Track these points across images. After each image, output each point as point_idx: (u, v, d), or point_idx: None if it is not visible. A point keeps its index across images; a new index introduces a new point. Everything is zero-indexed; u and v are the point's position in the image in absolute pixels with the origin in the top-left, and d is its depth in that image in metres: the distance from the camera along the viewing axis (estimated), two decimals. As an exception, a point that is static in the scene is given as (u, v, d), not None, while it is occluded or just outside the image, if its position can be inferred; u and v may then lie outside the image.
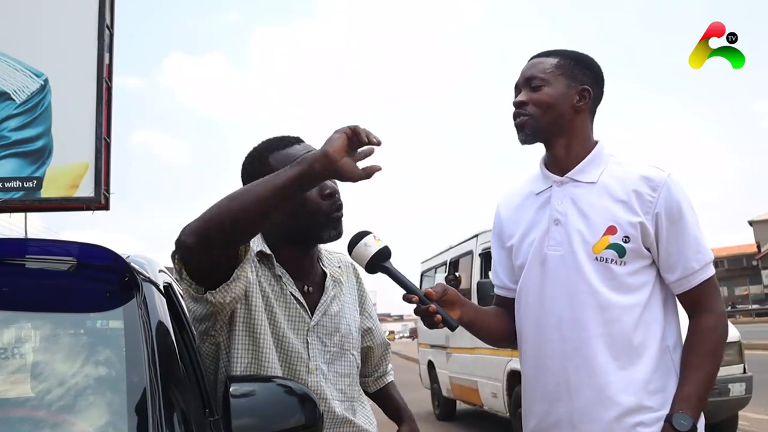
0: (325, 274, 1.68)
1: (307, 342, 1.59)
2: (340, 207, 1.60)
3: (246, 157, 1.68)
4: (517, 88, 1.66)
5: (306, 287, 1.63)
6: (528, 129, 1.62)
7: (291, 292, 1.59)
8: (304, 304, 1.60)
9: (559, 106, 1.60)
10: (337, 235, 1.61)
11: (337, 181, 1.59)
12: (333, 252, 1.77)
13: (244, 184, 1.65)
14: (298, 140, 1.65)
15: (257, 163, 1.62)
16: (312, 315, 1.61)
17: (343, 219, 1.62)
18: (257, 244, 1.61)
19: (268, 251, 1.60)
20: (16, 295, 1.51)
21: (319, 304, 1.63)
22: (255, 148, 1.67)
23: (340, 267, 1.74)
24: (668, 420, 1.47)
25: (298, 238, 1.61)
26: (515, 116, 1.63)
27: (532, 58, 1.68)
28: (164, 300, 1.62)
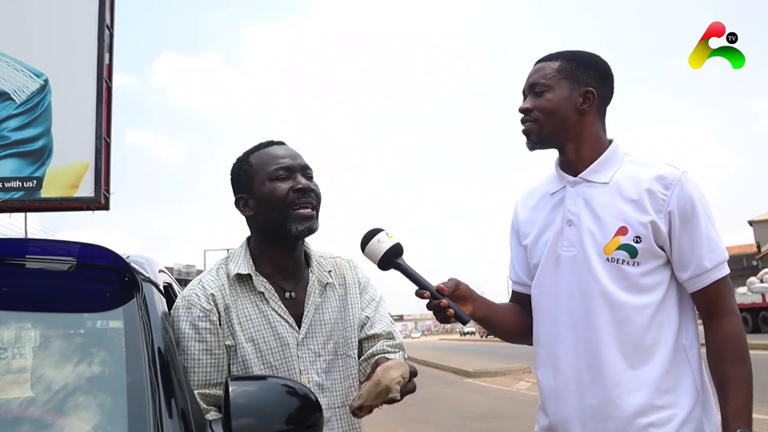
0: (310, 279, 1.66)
1: (297, 356, 1.58)
2: (307, 203, 1.59)
3: (232, 165, 1.71)
4: (524, 94, 1.68)
5: (289, 294, 1.62)
6: (534, 136, 1.63)
7: (275, 309, 1.58)
8: (289, 318, 1.59)
9: (562, 110, 1.60)
10: (306, 230, 1.59)
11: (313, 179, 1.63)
12: (329, 256, 1.75)
13: (234, 189, 1.68)
14: (280, 143, 1.69)
15: (242, 164, 1.67)
16: (300, 326, 1.60)
17: (312, 215, 1.60)
18: (236, 265, 1.61)
19: (246, 271, 1.59)
20: (16, 295, 1.51)
21: (304, 316, 1.61)
22: (240, 155, 1.71)
23: (331, 271, 1.70)
24: None
25: (271, 233, 1.62)
26: (522, 122, 1.65)
27: (536, 63, 1.69)
28: (164, 300, 1.62)
